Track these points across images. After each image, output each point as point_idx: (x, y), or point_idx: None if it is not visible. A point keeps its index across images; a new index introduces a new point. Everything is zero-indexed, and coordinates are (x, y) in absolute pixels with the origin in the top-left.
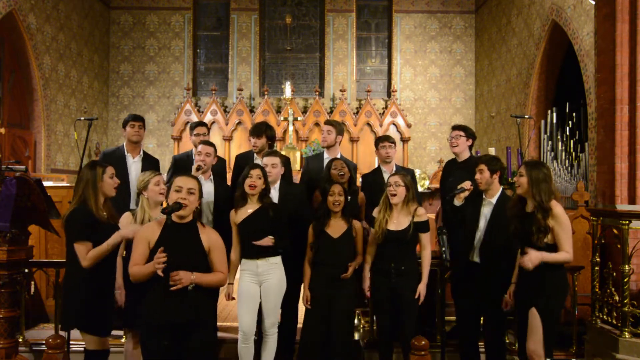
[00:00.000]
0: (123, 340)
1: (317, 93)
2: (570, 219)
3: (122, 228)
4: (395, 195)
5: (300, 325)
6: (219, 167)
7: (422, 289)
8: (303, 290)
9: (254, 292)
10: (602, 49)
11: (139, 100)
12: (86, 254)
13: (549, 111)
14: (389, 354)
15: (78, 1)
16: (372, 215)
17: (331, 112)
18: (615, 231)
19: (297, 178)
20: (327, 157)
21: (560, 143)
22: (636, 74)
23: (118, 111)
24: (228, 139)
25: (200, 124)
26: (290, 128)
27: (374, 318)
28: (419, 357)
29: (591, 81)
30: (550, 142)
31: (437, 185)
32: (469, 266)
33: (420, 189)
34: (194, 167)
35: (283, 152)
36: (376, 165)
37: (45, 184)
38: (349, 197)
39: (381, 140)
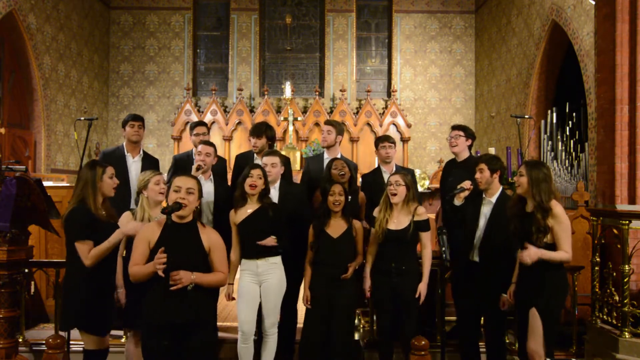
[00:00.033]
0: (123, 340)
1: (317, 93)
2: (570, 219)
3: (121, 227)
4: (395, 194)
5: (300, 325)
6: (219, 167)
7: (422, 288)
8: (303, 290)
9: (253, 292)
10: (602, 49)
11: (139, 100)
12: (88, 252)
13: (549, 111)
14: (389, 354)
15: (78, 1)
16: (373, 215)
17: (331, 112)
18: (615, 231)
19: (297, 178)
20: (327, 157)
21: (560, 143)
22: (636, 74)
23: (118, 111)
24: (228, 139)
25: (200, 123)
26: (290, 128)
27: (374, 318)
28: (419, 357)
29: (591, 81)
30: (550, 142)
31: (437, 185)
32: (469, 266)
33: (420, 189)
34: (193, 167)
35: (283, 152)
36: (376, 165)
37: (45, 184)
38: (350, 197)
39: (381, 141)
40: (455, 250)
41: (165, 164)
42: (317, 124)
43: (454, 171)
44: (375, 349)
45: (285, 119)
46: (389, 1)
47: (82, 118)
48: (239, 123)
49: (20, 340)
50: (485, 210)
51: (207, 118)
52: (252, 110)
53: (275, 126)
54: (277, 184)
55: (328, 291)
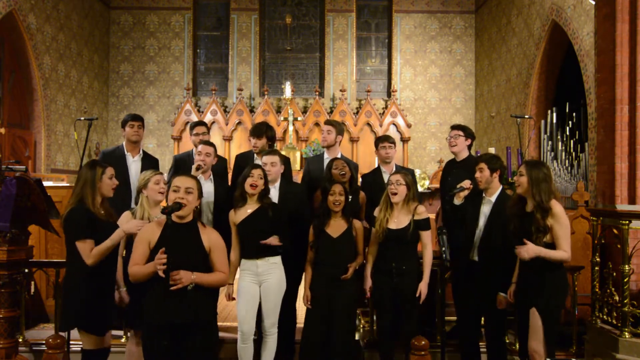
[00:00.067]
0: (123, 340)
1: (317, 93)
2: (570, 219)
3: (122, 225)
4: (396, 194)
5: (299, 325)
6: (219, 167)
7: (423, 287)
8: (303, 290)
9: (253, 292)
10: (602, 49)
11: (139, 100)
12: (90, 251)
13: (549, 111)
14: (390, 354)
15: (78, 1)
16: (374, 215)
17: (331, 112)
18: (615, 231)
19: (297, 178)
20: (327, 157)
21: (560, 143)
22: (636, 74)
23: (118, 111)
24: (228, 139)
25: (200, 123)
26: (290, 128)
27: (374, 318)
28: (419, 357)
29: (591, 81)
30: (550, 142)
31: (437, 185)
32: (469, 266)
33: (420, 189)
34: (193, 167)
35: (283, 152)
36: (376, 165)
37: (45, 184)
38: (350, 197)
39: (381, 141)
40: (455, 250)
41: (165, 164)
42: (317, 124)
43: (453, 171)
44: (376, 349)
45: (285, 119)
46: (389, 1)
47: (82, 118)
48: (239, 123)
49: (20, 340)
50: (485, 210)
51: (207, 118)
52: (252, 110)
53: (275, 126)
54: (277, 184)
55: (328, 291)
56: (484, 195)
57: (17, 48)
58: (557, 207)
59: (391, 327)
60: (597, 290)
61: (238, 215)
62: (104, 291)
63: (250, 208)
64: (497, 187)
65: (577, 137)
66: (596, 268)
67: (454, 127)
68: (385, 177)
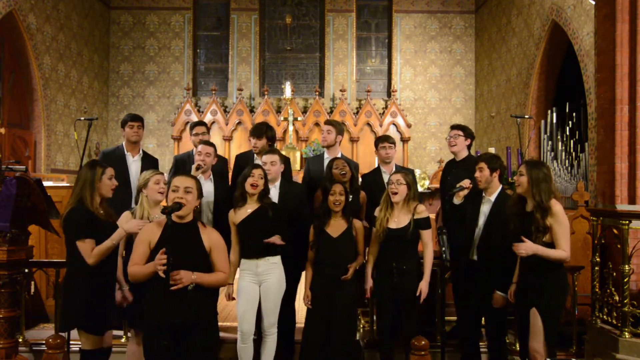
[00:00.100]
0: (123, 340)
1: (317, 93)
2: (570, 219)
3: (123, 225)
4: (396, 193)
5: (298, 324)
6: (219, 167)
7: (423, 286)
8: (304, 290)
9: (253, 291)
10: (602, 49)
11: (139, 100)
12: (91, 251)
13: (549, 111)
14: (390, 354)
15: (78, 1)
16: (374, 215)
17: (331, 112)
18: (615, 231)
19: (297, 178)
20: (327, 157)
21: (560, 143)
22: (636, 74)
23: (118, 111)
24: (228, 139)
25: (200, 123)
26: (290, 128)
27: (374, 318)
28: (419, 357)
29: (591, 81)
30: (550, 142)
31: (437, 185)
32: (469, 265)
33: (420, 189)
34: (193, 167)
35: (283, 152)
36: (376, 165)
37: (45, 184)
38: (351, 196)
39: (381, 141)
40: (455, 250)
41: (165, 164)
42: (317, 124)
43: (453, 171)
44: (376, 349)
45: (285, 119)
46: (389, 1)
47: (82, 118)
48: (239, 123)
49: (20, 340)
50: (485, 209)
51: (207, 118)
52: (252, 110)
53: (275, 126)
54: (278, 183)
55: (328, 291)
56: (483, 194)
57: (17, 48)
58: (556, 206)
59: (391, 327)
60: (597, 290)
61: (238, 215)
62: (103, 291)
63: (250, 208)
64: (497, 187)
65: (577, 137)
66: (596, 268)
67: (454, 127)
68: (385, 177)
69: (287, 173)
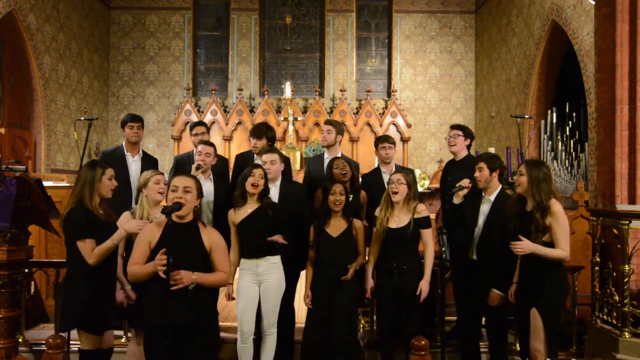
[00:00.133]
0: (123, 340)
1: (317, 93)
2: (570, 219)
3: (123, 225)
4: (397, 193)
5: (298, 324)
6: (219, 167)
7: (424, 285)
8: (304, 290)
9: (253, 291)
10: (602, 49)
11: (139, 100)
12: (91, 251)
13: (549, 111)
14: (390, 354)
15: (78, 1)
16: (375, 215)
17: (331, 112)
18: (615, 231)
19: (297, 178)
20: (327, 157)
21: (560, 143)
22: (636, 74)
23: (118, 111)
24: (228, 139)
25: (199, 123)
26: (290, 128)
27: (374, 318)
28: (419, 357)
29: (591, 81)
30: (550, 142)
31: (437, 185)
32: (468, 265)
33: (420, 189)
34: (193, 167)
35: (283, 152)
36: (376, 165)
37: (45, 184)
38: (351, 196)
39: (381, 141)
40: (455, 250)
41: (165, 164)
42: (317, 124)
43: (452, 170)
44: (376, 348)
45: (285, 119)
46: (389, 1)
47: (82, 118)
48: (239, 123)
49: (20, 340)
50: (484, 209)
51: (207, 118)
52: (252, 110)
53: (275, 126)
54: (278, 183)
55: (328, 291)
56: (483, 194)
57: (17, 48)
58: (555, 205)
59: (392, 327)
60: (597, 290)
61: (238, 215)
62: (103, 291)
63: (250, 208)
64: (497, 187)
65: (577, 137)
66: (596, 268)
67: (453, 127)
68: (385, 177)
69: (287, 173)
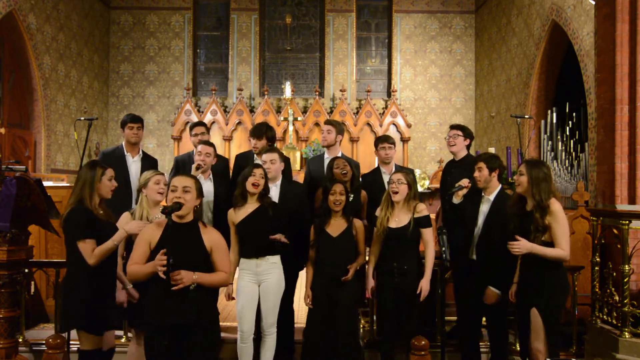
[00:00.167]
0: (123, 340)
1: (317, 93)
2: (570, 219)
3: (124, 225)
4: (397, 192)
5: (299, 324)
6: (219, 167)
7: (424, 284)
8: (305, 290)
9: (252, 291)
10: (602, 49)
11: (139, 100)
12: (92, 251)
13: (549, 111)
14: (391, 354)
15: (78, 1)
16: (375, 215)
17: (331, 112)
18: (615, 231)
19: (297, 178)
20: (327, 157)
21: (560, 143)
22: (636, 74)
23: (118, 111)
24: (228, 139)
25: (199, 124)
26: (290, 128)
27: (374, 318)
28: (419, 357)
29: (591, 81)
30: (550, 142)
31: (437, 185)
32: (468, 265)
33: (420, 189)
34: (193, 167)
35: (283, 152)
36: (376, 166)
37: (45, 184)
38: (352, 195)
39: (380, 141)
40: (455, 250)
41: (165, 164)
42: (317, 124)
43: (452, 170)
44: (376, 348)
45: (285, 119)
46: (389, 1)
47: (82, 118)
48: (239, 123)
49: (20, 340)
50: (484, 209)
51: (207, 118)
52: (252, 110)
53: (275, 126)
54: (279, 182)
55: (328, 291)
56: (482, 194)
57: (17, 48)
58: (555, 205)
59: (392, 327)
60: (597, 290)
61: (238, 215)
62: (104, 291)
63: (250, 207)
64: (496, 186)
65: (577, 137)
66: (596, 268)
67: (453, 127)
68: (385, 177)
69: (287, 173)
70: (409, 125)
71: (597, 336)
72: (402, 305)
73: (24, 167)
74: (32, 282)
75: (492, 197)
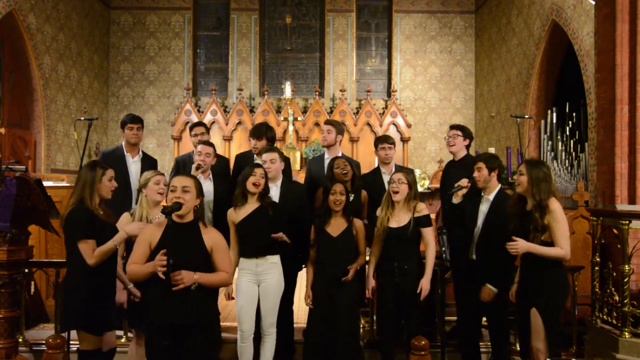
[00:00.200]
0: (123, 340)
1: (317, 93)
2: (570, 219)
3: (124, 227)
4: (397, 192)
5: (299, 324)
6: (219, 167)
7: (424, 283)
8: (305, 290)
9: (252, 291)
10: (602, 49)
11: (139, 100)
12: (92, 252)
13: (549, 111)
14: (391, 354)
15: (78, 1)
16: (375, 215)
17: (331, 112)
18: (615, 231)
19: (297, 178)
20: (327, 157)
21: (560, 143)
22: (636, 74)
23: (118, 111)
24: (228, 139)
25: (199, 124)
26: (290, 128)
27: (374, 318)
28: (419, 357)
29: (591, 81)
30: (550, 142)
31: (437, 185)
32: (468, 265)
33: (420, 189)
34: (193, 167)
35: (283, 152)
36: (376, 166)
37: (45, 184)
38: (353, 195)
39: (380, 142)
40: (455, 250)
41: (165, 164)
42: (317, 124)
43: (451, 170)
44: (376, 348)
45: (285, 119)
46: (389, 1)
47: (82, 118)
48: (239, 123)
49: (20, 340)
50: (484, 209)
51: (207, 118)
52: (252, 110)
53: (275, 126)
54: (279, 182)
55: (329, 291)
56: (482, 194)
57: (17, 48)
58: (554, 204)
59: (392, 327)
60: (597, 290)
61: (238, 214)
62: (104, 291)
63: (250, 207)
64: (496, 186)
65: (577, 137)
66: (596, 268)
67: (453, 127)
68: (385, 177)
69: (287, 172)
70: (409, 125)
71: (597, 336)
72: (403, 305)
73: (24, 167)
74: (32, 282)
75: (491, 197)
